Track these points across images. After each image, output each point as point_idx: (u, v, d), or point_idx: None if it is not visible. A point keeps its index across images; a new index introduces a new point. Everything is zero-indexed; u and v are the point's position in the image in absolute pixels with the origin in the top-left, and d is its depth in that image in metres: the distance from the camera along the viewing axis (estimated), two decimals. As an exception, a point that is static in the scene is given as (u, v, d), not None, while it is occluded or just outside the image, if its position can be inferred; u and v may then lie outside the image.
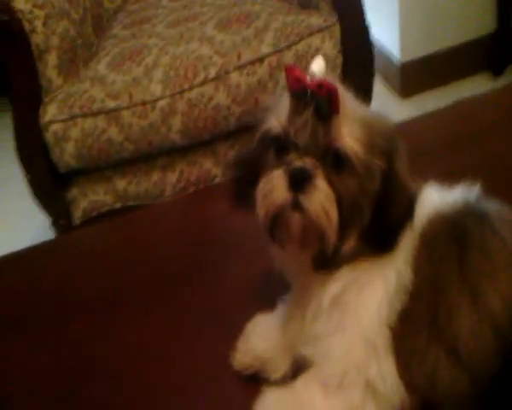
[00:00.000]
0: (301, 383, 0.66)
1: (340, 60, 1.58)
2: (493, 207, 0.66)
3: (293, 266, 0.67)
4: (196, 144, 1.57)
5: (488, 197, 0.67)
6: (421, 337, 0.62)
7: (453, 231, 0.63)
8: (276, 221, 0.61)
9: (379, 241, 0.63)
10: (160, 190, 1.59)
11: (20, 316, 0.94)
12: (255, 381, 0.73)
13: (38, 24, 1.55)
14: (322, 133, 0.58)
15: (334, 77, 0.64)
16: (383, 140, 0.61)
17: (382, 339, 0.63)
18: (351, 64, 1.59)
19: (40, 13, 1.56)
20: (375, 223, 0.62)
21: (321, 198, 0.58)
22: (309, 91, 0.57)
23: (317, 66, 0.59)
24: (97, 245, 1.09)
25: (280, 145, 0.61)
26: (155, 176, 1.60)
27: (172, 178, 1.60)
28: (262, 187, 0.61)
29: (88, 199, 1.62)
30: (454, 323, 0.61)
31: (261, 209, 0.61)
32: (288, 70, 0.59)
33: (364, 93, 1.62)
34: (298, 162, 0.59)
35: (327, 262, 0.62)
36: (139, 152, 1.55)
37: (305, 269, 0.65)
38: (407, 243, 0.63)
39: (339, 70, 1.58)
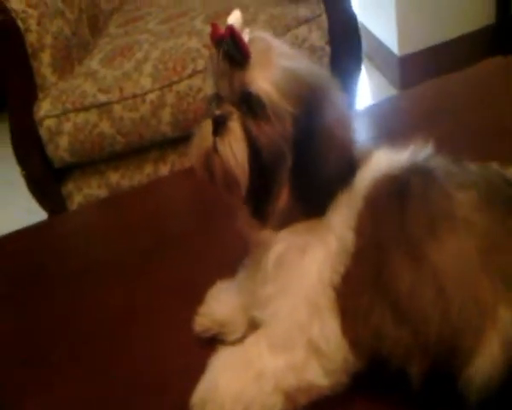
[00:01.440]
0: (251, 340, 0.67)
1: (328, 49, 1.59)
2: (440, 163, 0.65)
3: (242, 222, 0.68)
4: (187, 136, 1.58)
5: (437, 155, 0.67)
6: (366, 296, 0.62)
7: (395, 189, 0.64)
8: (207, 167, 0.64)
9: (311, 200, 0.63)
10: (152, 181, 1.62)
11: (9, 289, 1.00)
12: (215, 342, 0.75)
13: (32, 23, 1.59)
14: (237, 80, 0.61)
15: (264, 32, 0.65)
16: (306, 89, 0.62)
17: (326, 300, 0.64)
18: (339, 53, 1.60)
19: (34, 12, 1.60)
20: (305, 179, 0.62)
21: (231, 140, 0.61)
22: (223, 42, 0.61)
23: (233, 18, 0.62)
24: (82, 225, 1.15)
25: (216, 99, 0.64)
26: (148, 168, 1.63)
27: (164, 170, 1.62)
28: (194, 136, 0.65)
29: (83, 193, 1.65)
30: (396, 281, 0.61)
31: (192, 155, 0.64)
32: (212, 26, 0.62)
33: (353, 80, 1.64)
34: (218, 110, 0.63)
35: (262, 214, 0.64)
36: (131, 145, 1.58)
37: (252, 225, 0.66)
38: (350, 207, 0.64)
39: (327, 59, 1.59)
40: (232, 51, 0.60)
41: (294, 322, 0.64)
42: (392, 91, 2.33)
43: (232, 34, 0.60)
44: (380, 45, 2.41)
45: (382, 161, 0.66)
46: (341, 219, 0.63)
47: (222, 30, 0.62)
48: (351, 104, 1.58)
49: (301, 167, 0.62)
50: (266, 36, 0.64)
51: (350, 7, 1.60)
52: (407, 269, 0.60)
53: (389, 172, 0.65)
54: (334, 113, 0.63)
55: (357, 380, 0.66)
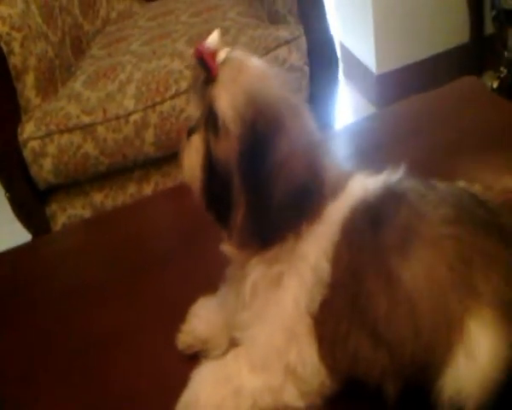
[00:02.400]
0: (231, 356, 0.70)
1: (306, 69, 1.63)
2: (412, 184, 0.67)
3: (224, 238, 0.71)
4: (170, 156, 1.62)
5: (409, 177, 0.68)
6: (343, 323, 0.64)
7: (370, 216, 0.65)
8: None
9: (265, 225, 0.64)
10: (135, 201, 1.64)
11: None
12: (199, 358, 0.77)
13: (16, 45, 1.61)
14: (206, 96, 0.66)
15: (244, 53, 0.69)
16: (256, 113, 0.63)
17: (303, 326, 0.65)
18: (317, 73, 1.64)
19: (17, 35, 1.61)
20: (255, 202, 0.64)
21: (190, 151, 0.68)
22: (200, 61, 0.66)
23: (211, 38, 0.67)
24: (70, 243, 1.17)
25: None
26: (131, 188, 1.65)
27: (148, 189, 1.64)
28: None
29: (66, 214, 1.67)
30: (373, 307, 0.63)
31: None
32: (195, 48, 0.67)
33: (331, 99, 1.68)
34: (193, 122, 0.69)
35: (224, 225, 0.68)
36: (115, 165, 1.60)
37: (229, 244, 0.69)
38: (326, 238, 0.65)
39: (306, 78, 1.63)
40: (201, 67, 0.65)
41: (272, 348, 0.66)
42: (370, 109, 2.38)
43: (202, 54, 0.65)
44: (358, 64, 2.46)
45: (357, 188, 0.67)
46: (317, 250, 0.65)
47: (198, 48, 0.66)
48: (327, 124, 1.62)
49: (250, 190, 0.64)
50: (243, 56, 0.67)
51: (328, 29, 1.64)
52: (382, 294, 0.62)
53: (364, 199, 0.66)
54: (287, 144, 0.63)
55: (333, 397, 0.68)
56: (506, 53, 2.14)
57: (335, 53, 1.67)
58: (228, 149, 0.64)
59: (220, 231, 0.70)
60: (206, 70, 0.65)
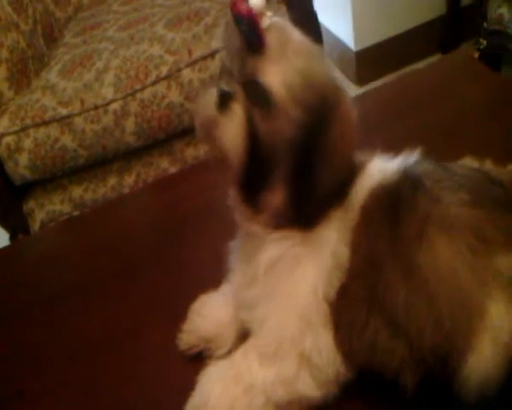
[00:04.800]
0: (240, 352, 0.67)
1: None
2: (428, 168, 0.65)
3: (236, 208, 0.67)
4: (152, 145, 1.57)
5: (425, 159, 0.67)
6: (361, 311, 0.62)
7: (387, 201, 0.63)
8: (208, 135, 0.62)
9: (304, 209, 0.62)
10: (118, 194, 1.58)
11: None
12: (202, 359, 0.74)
13: (-15, 37, 1.54)
14: (250, 64, 0.59)
15: (284, 19, 0.62)
16: (317, 99, 0.59)
17: (319, 313, 0.63)
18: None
19: (-14, 26, 1.55)
20: (301, 187, 0.61)
21: (232, 121, 0.59)
22: (244, 20, 0.57)
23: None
24: (54, 244, 1.11)
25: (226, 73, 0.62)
26: (112, 180, 1.59)
27: (129, 180, 1.59)
28: (200, 100, 0.63)
29: (45, 210, 1.61)
30: (390, 295, 0.61)
31: (196, 120, 0.63)
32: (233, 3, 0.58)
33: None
34: (225, 85, 0.60)
35: (253, 204, 0.63)
36: (94, 157, 1.54)
37: (244, 213, 0.65)
38: (345, 222, 0.63)
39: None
40: (248, 35, 0.57)
41: (286, 334, 0.63)
42: (350, 86, 2.35)
43: (250, 17, 0.57)
44: (336, 41, 2.42)
45: (375, 173, 0.65)
46: (337, 235, 0.63)
47: (242, 8, 0.57)
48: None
49: (299, 174, 0.61)
50: (286, 24, 0.61)
51: (311, 6, 1.60)
52: (401, 282, 0.60)
53: (382, 183, 0.64)
54: (340, 127, 0.61)
55: (348, 388, 0.66)
56: (485, 24, 2.12)
57: (319, 30, 1.63)
58: (279, 129, 0.59)
59: (233, 191, 0.66)
60: (254, 37, 0.58)
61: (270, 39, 0.58)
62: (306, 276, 0.63)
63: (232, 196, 0.67)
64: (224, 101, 0.60)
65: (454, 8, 2.34)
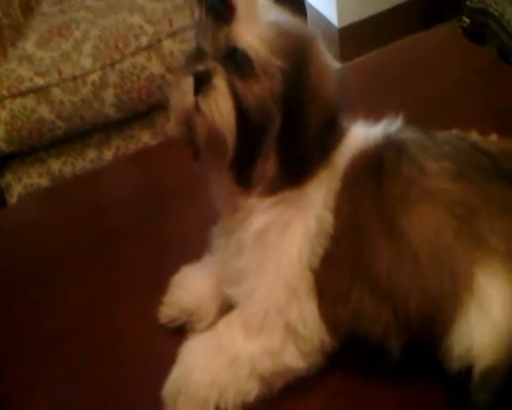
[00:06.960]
0: (223, 324, 0.66)
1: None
2: (412, 135, 0.65)
3: (221, 187, 0.66)
4: (132, 118, 1.54)
5: (408, 127, 0.67)
6: (345, 278, 0.62)
7: (371, 166, 0.63)
8: (188, 128, 0.60)
9: (294, 165, 0.61)
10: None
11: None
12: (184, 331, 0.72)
13: (-41, 5, 1.49)
14: (222, 35, 0.58)
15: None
16: (293, 43, 0.59)
17: (304, 282, 0.62)
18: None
19: (-40, -6, 1.50)
20: (290, 140, 0.60)
21: (217, 98, 0.57)
22: None
23: None
24: (32, 216, 1.08)
25: (197, 55, 0.60)
26: (91, 154, 1.56)
27: (109, 154, 1.56)
28: (172, 93, 0.60)
29: (22, 183, 1.57)
30: (375, 261, 0.60)
31: (172, 115, 0.61)
32: None
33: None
34: (200, 66, 0.58)
35: (246, 179, 0.62)
36: (72, 129, 1.51)
37: (233, 191, 0.64)
38: (328, 186, 0.62)
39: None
40: (217, 4, 0.57)
41: (272, 304, 0.63)
42: (334, 64, 2.33)
43: None
44: (320, 18, 2.40)
45: (358, 137, 0.65)
46: (321, 199, 0.62)
47: None
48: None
49: (288, 128, 0.59)
50: None
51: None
52: (385, 248, 0.60)
53: (365, 148, 0.63)
54: (317, 65, 0.60)
55: (333, 356, 0.65)
56: (468, 2, 2.11)
57: (304, 5, 1.60)
58: (264, 88, 0.58)
59: (220, 176, 0.65)
60: (223, 5, 0.57)
61: (239, 3, 0.58)
62: (293, 242, 0.62)
63: (218, 183, 0.65)
64: (203, 82, 0.58)
65: (438, -15, 2.33)
